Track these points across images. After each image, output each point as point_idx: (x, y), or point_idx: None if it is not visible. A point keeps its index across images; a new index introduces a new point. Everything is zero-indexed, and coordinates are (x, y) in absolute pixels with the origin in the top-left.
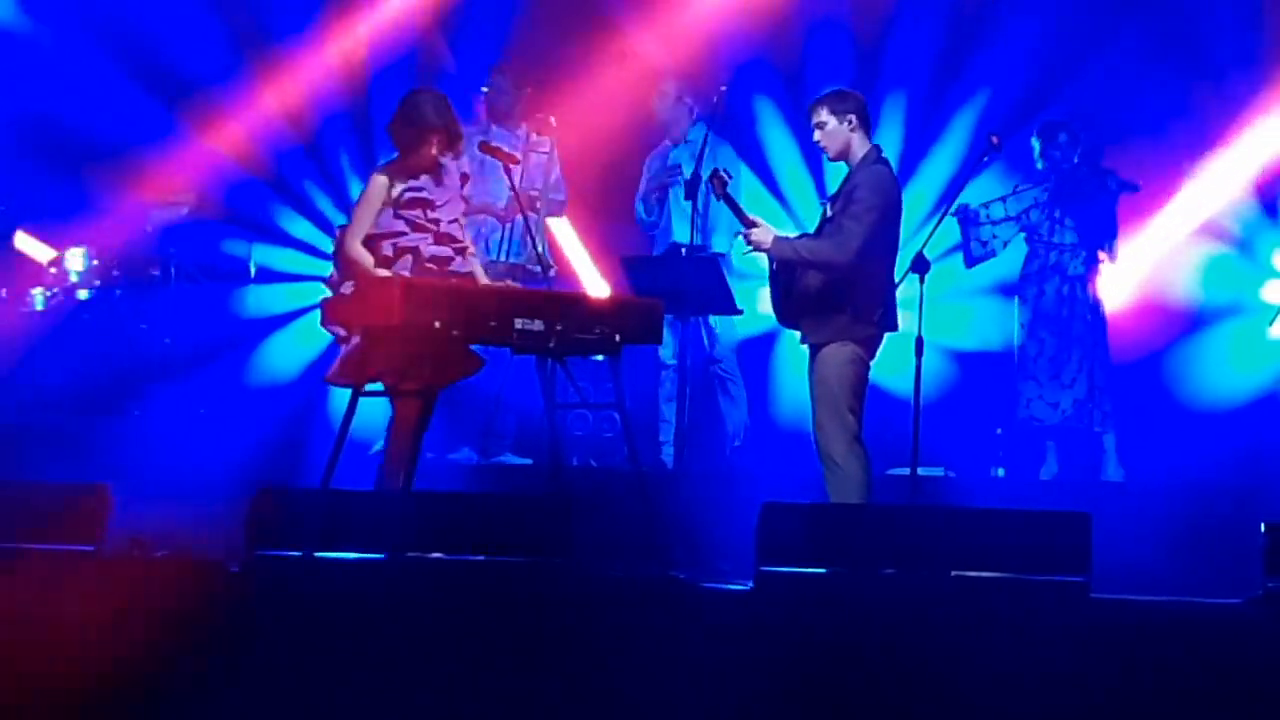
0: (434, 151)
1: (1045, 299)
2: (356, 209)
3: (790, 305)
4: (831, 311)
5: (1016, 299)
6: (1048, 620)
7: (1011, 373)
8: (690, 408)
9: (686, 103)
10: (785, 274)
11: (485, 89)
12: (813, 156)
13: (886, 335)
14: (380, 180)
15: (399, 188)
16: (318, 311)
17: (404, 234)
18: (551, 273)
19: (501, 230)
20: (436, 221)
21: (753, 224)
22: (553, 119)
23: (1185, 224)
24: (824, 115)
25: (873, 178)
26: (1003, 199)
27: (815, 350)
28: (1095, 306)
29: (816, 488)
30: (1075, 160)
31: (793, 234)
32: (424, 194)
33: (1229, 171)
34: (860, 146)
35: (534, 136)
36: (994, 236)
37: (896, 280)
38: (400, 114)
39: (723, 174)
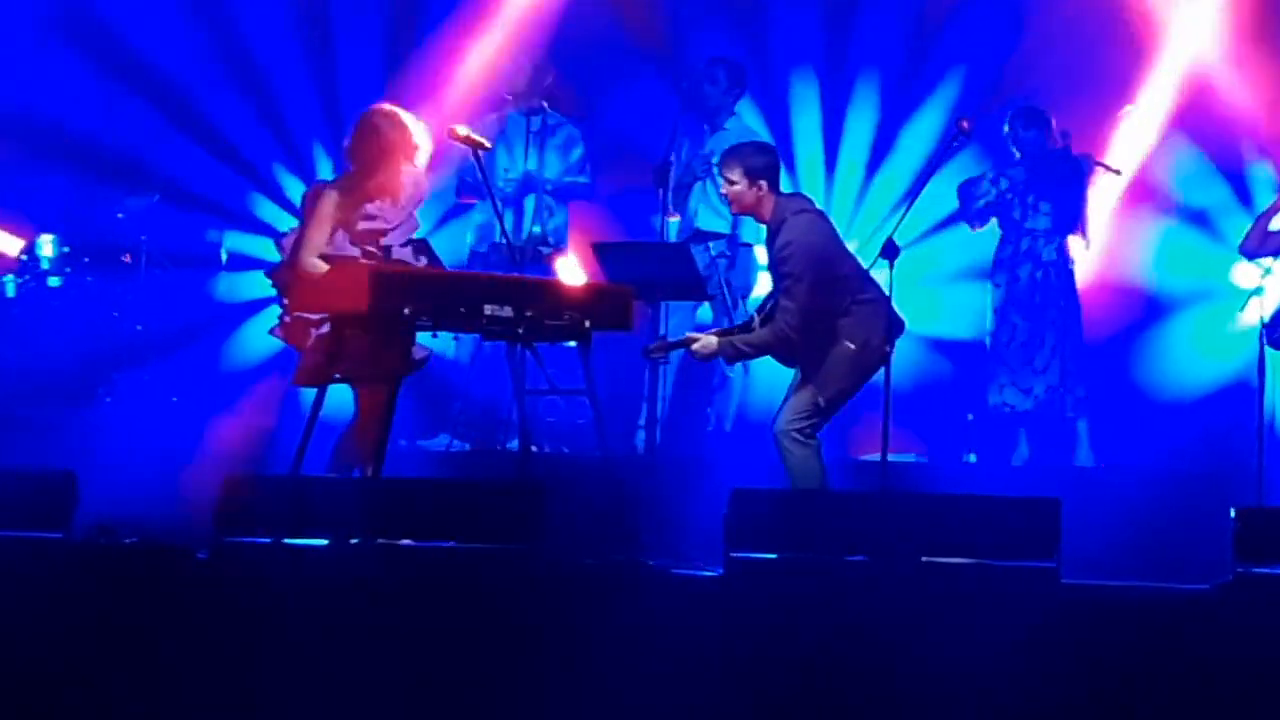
0: (399, 169)
1: (1018, 284)
2: (309, 227)
3: (795, 361)
4: (831, 351)
5: (989, 284)
6: (1017, 606)
7: (983, 358)
8: (671, 395)
9: (735, 91)
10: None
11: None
12: (785, 142)
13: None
14: (332, 198)
15: (354, 214)
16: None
17: (355, 258)
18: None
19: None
20: (387, 249)
21: (693, 340)
22: (545, 103)
23: (1147, 205)
24: (736, 175)
25: (792, 245)
26: (991, 174)
27: None
28: (1068, 292)
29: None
30: (1050, 145)
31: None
32: (377, 223)
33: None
34: (767, 206)
35: (547, 121)
36: (989, 192)
37: (868, 267)
38: (360, 134)
39: (661, 344)
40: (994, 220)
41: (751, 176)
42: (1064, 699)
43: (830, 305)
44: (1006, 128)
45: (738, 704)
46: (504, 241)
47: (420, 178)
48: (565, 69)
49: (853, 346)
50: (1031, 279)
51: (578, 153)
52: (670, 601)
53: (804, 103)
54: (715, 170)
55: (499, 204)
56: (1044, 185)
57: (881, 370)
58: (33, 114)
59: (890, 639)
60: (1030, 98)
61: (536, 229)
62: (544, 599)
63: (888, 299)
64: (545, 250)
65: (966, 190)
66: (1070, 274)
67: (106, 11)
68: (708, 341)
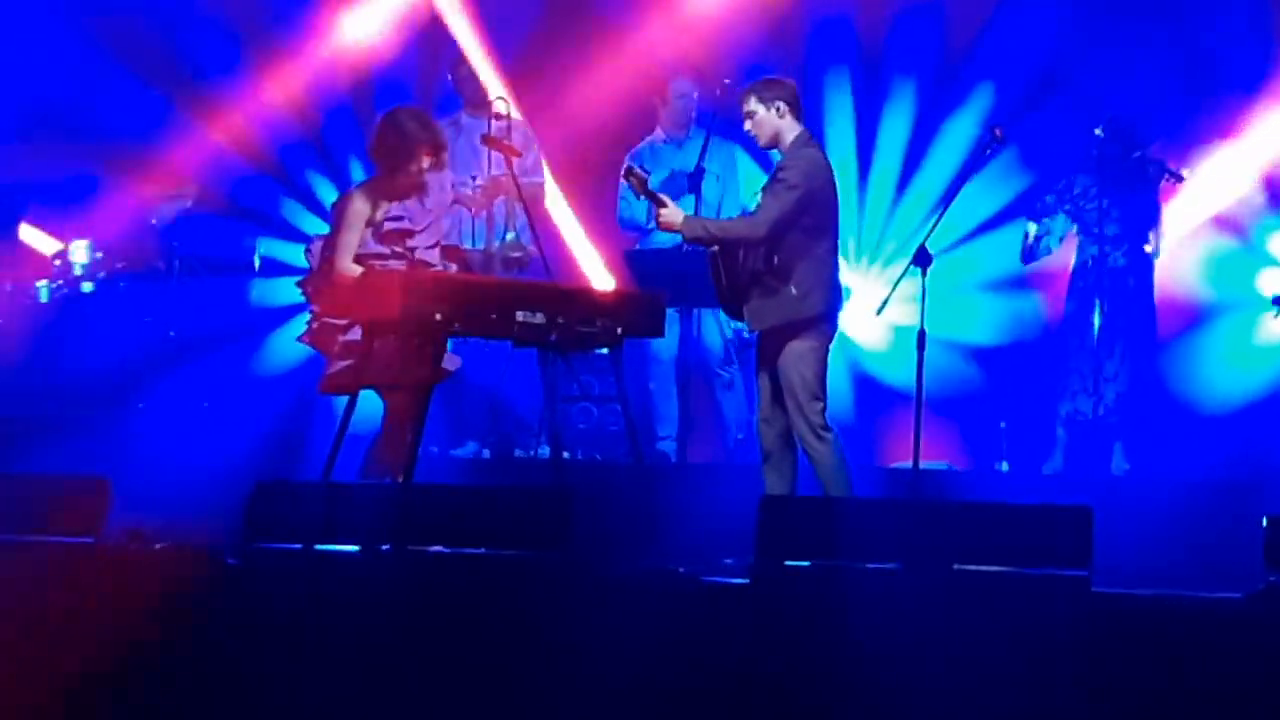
0: (423, 166)
1: (1087, 290)
2: (340, 233)
3: (732, 292)
4: (772, 293)
5: (1067, 290)
6: (1049, 614)
7: (1015, 366)
8: (689, 401)
9: (695, 100)
10: (724, 260)
11: (450, 77)
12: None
13: (890, 325)
14: (361, 200)
15: (380, 212)
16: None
17: (384, 258)
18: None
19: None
20: (413, 249)
21: (662, 204)
22: (504, 100)
23: (1196, 216)
24: (753, 104)
25: (800, 160)
26: (1055, 189)
27: (763, 338)
28: (1141, 298)
29: (807, 480)
30: (1132, 156)
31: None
32: (404, 223)
33: (1239, 163)
34: (790, 132)
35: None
36: (1048, 232)
37: (899, 275)
38: (382, 134)
39: (639, 171)
40: (1074, 227)
41: (767, 101)
42: (1095, 707)
43: (803, 237)
44: (1099, 131)
45: (767, 711)
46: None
47: (447, 181)
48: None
49: (795, 293)
50: (1100, 285)
51: (532, 152)
52: (700, 609)
53: (838, 109)
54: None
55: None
56: (1114, 191)
57: (913, 377)
58: (67, 117)
59: (921, 647)
60: (1065, 105)
61: (511, 236)
62: (574, 606)
63: (836, 275)
64: (513, 254)
65: (1034, 216)
66: (1144, 281)
67: (141, 15)
68: (675, 209)
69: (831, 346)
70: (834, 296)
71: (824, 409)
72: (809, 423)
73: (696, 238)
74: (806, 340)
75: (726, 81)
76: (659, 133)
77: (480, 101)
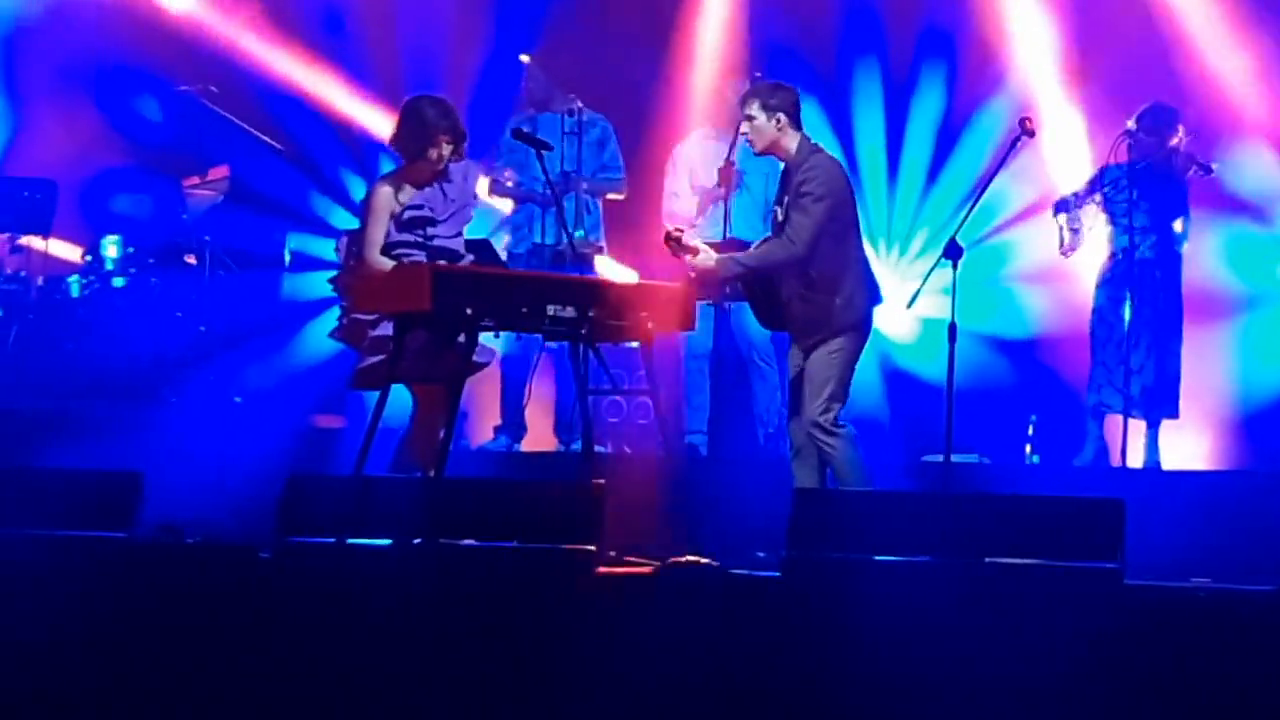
0: (443, 153)
1: (1116, 282)
2: (369, 225)
3: (775, 312)
4: (816, 306)
5: (1095, 282)
6: (1081, 606)
7: (1045, 359)
8: (721, 395)
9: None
10: (759, 284)
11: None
12: (847, 142)
13: (920, 318)
14: (385, 191)
15: (402, 200)
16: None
17: (408, 246)
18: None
19: (544, 214)
20: (433, 239)
21: (694, 252)
22: (573, 97)
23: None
24: (755, 109)
25: (816, 169)
26: (1088, 181)
27: (809, 352)
28: (1169, 291)
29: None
30: (1165, 148)
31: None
32: (424, 212)
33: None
34: (790, 141)
35: (581, 118)
36: (1079, 222)
37: (929, 268)
38: (402, 122)
39: (674, 231)
40: (1104, 217)
41: (769, 110)
42: (1127, 700)
43: (834, 242)
44: (1133, 124)
45: (799, 704)
46: (542, 242)
47: (470, 170)
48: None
49: (839, 302)
50: (1128, 276)
51: (610, 148)
52: (732, 602)
53: (867, 99)
54: (744, 179)
55: (561, 202)
56: (1144, 183)
57: (944, 370)
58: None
59: (952, 640)
60: (1096, 95)
61: (580, 233)
62: (605, 598)
63: (870, 270)
64: (587, 250)
65: (1058, 213)
66: (1171, 273)
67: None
68: (709, 253)
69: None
70: (871, 295)
71: (840, 408)
72: (822, 418)
73: (736, 275)
74: (841, 341)
75: (758, 75)
76: (708, 128)
77: (548, 100)
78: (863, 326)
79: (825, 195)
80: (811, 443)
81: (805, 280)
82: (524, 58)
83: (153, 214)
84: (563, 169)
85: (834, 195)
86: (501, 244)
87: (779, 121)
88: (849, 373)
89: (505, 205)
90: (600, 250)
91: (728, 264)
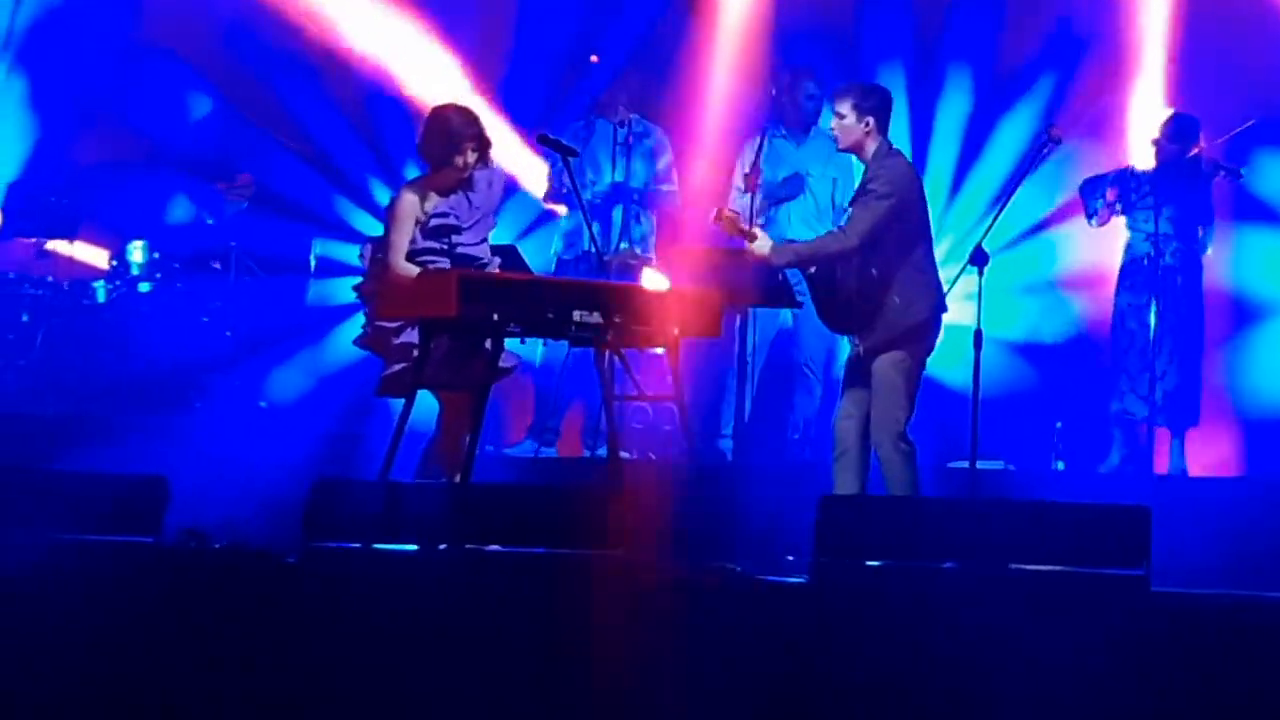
0: (468, 161)
1: (1136, 288)
2: (392, 231)
3: (835, 308)
4: (876, 307)
5: (1115, 288)
6: (1107, 614)
7: (1071, 365)
8: (756, 401)
9: (822, 102)
10: (823, 280)
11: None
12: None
13: (944, 325)
14: (410, 198)
15: (428, 207)
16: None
17: (434, 253)
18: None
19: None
20: (458, 246)
21: (752, 237)
22: (623, 108)
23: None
24: (846, 109)
25: (886, 169)
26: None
27: (871, 356)
28: (1191, 297)
29: (874, 481)
30: (1185, 153)
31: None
32: (449, 219)
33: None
34: (872, 143)
35: (634, 129)
36: (1102, 196)
37: (955, 275)
38: (428, 130)
39: (728, 212)
40: (1122, 221)
41: (860, 111)
42: (1153, 707)
43: (898, 246)
44: (1158, 132)
45: (825, 709)
46: (593, 250)
47: (495, 178)
48: (649, 71)
49: (899, 302)
50: (1151, 283)
51: (665, 160)
52: (758, 608)
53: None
54: (808, 183)
55: (587, 211)
56: (1168, 189)
57: (970, 376)
58: (124, 119)
59: (977, 646)
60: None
61: (624, 245)
62: (631, 604)
63: (937, 279)
64: (632, 261)
65: (1088, 189)
66: (1193, 279)
67: (199, 17)
68: (764, 239)
69: (931, 355)
70: (938, 301)
71: (908, 419)
72: (891, 431)
73: (789, 263)
74: (907, 347)
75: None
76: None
77: (609, 105)
78: (925, 334)
79: (889, 194)
80: (861, 449)
81: (864, 277)
82: (594, 59)
83: (195, 218)
84: (613, 179)
85: (899, 196)
86: (553, 251)
87: (868, 125)
88: (915, 384)
89: (562, 210)
90: (648, 262)
91: (781, 251)
